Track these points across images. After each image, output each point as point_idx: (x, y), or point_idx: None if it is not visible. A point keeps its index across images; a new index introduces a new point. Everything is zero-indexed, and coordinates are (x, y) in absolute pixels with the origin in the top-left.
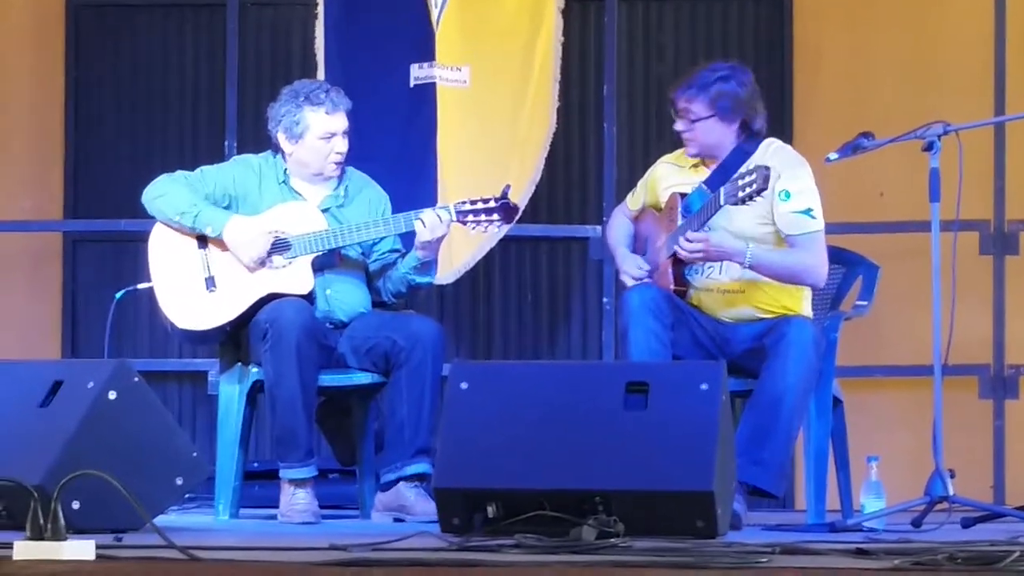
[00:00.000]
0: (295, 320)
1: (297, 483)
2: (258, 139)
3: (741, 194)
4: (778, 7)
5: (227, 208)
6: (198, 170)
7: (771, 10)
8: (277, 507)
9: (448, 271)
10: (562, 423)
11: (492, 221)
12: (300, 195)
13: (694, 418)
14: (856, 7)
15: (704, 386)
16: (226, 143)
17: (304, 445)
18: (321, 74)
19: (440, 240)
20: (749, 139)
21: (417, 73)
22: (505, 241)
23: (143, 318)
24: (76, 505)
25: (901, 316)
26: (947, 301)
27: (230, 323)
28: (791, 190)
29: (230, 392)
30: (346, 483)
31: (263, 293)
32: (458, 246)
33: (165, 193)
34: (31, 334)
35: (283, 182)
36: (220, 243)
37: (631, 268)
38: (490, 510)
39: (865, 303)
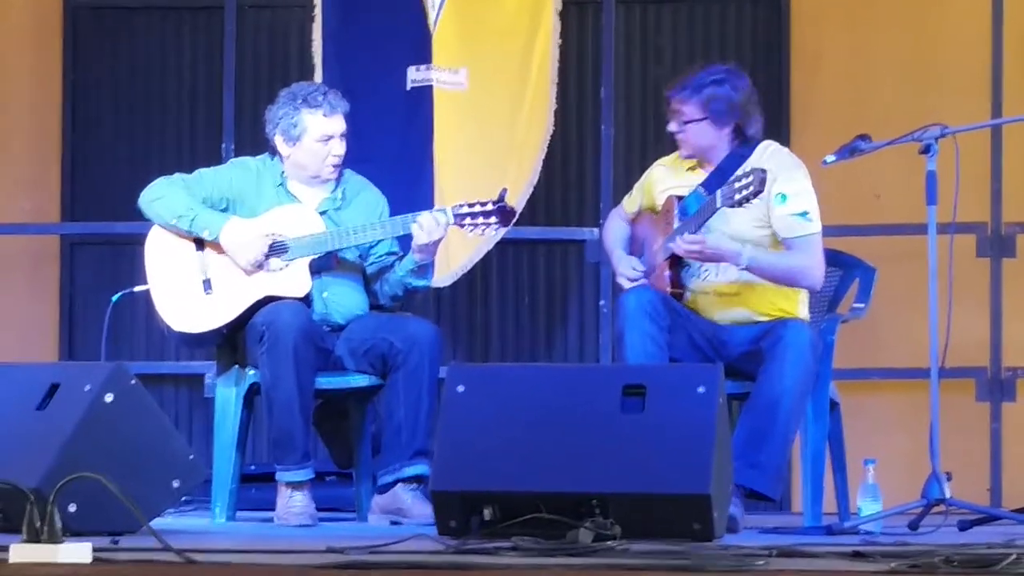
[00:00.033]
0: (292, 323)
1: (294, 486)
2: (255, 141)
3: (738, 196)
4: (776, 9)
5: (224, 211)
6: (195, 172)
7: (769, 12)
8: (274, 510)
9: (445, 274)
10: (559, 426)
11: (489, 224)
12: (297, 198)
13: (691, 421)
14: (854, 9)
15: (701, 389)
16: (223, 145)
17: (301, 448)
18: (318, 76)
19: (437, 243)
20: (744, 143)
21: (414, 75)
22: (502, 243)
23: (140, 321)
24: (72, 508)
25: (898, 319)
26: (944, 304)
27: (227, 326)
28: (787, 193)
29: (227, 395)
30: (343, 486)
31: (260, 296)
32: (455, 249)
33: (162, 196)
34: (28, 336)
35: (280, 185)
36: (217, 246)
37: (626, 269)
38: (487, 513)
39: (862, 306)
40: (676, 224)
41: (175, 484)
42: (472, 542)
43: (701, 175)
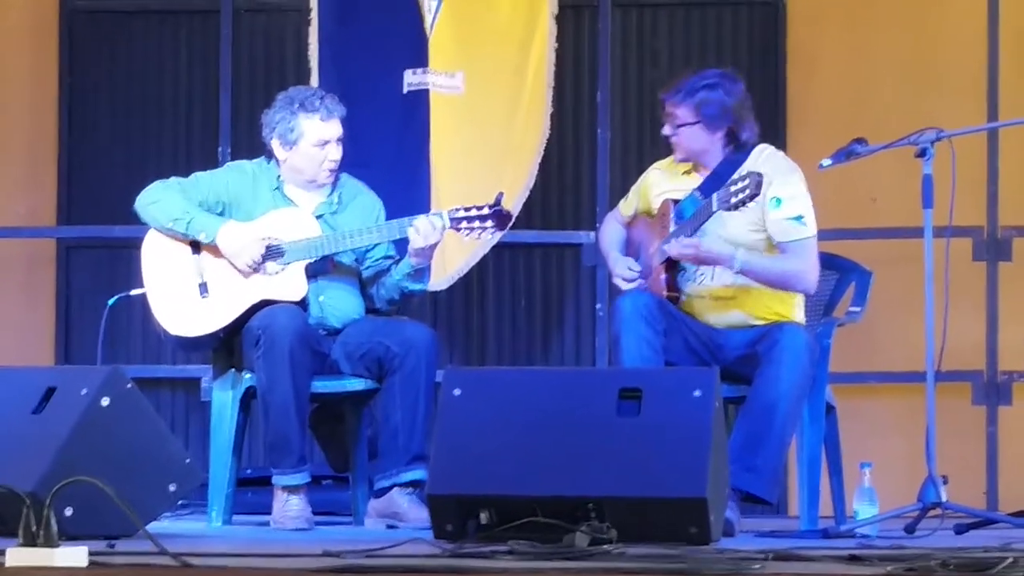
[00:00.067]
0: (288, 326)
1: (290, 489)
2: (252, 145)
3: (733, 200)
4: (772, 12)
5: (220, 214)
6: (192, 176)
7: (765, 15)
8: (270, 514)
9: (441, 277)
10: (555, 429)
11: (485, 228)
12: (293, 201)
13: (687, 424)
14: (850, 13)
15: (697, 392)
16: (220, 149)
17: (297, 451)
18: (315, 80)
19: (434, 247)
20: (738, 148)
21: (410, 79)
22: (498, 247)
23: (136, 324)
24: (69, 512)
25: (894, 322)
26: (940, 307)
27: (223, 329)
28: (782, 197)
29: (223, 398)
30: (339, 489)
31: (256, 299)
32: (451, 253)
33: (158, 200)
34: (24, 340)
35: (277, 188)
36: (213, 249)
37: (623, 270)
38: (483, 516)
39: (858, 309)
40: (672, 228)
41: (171, 488)
42: (468, 546)
43: (697, 179)
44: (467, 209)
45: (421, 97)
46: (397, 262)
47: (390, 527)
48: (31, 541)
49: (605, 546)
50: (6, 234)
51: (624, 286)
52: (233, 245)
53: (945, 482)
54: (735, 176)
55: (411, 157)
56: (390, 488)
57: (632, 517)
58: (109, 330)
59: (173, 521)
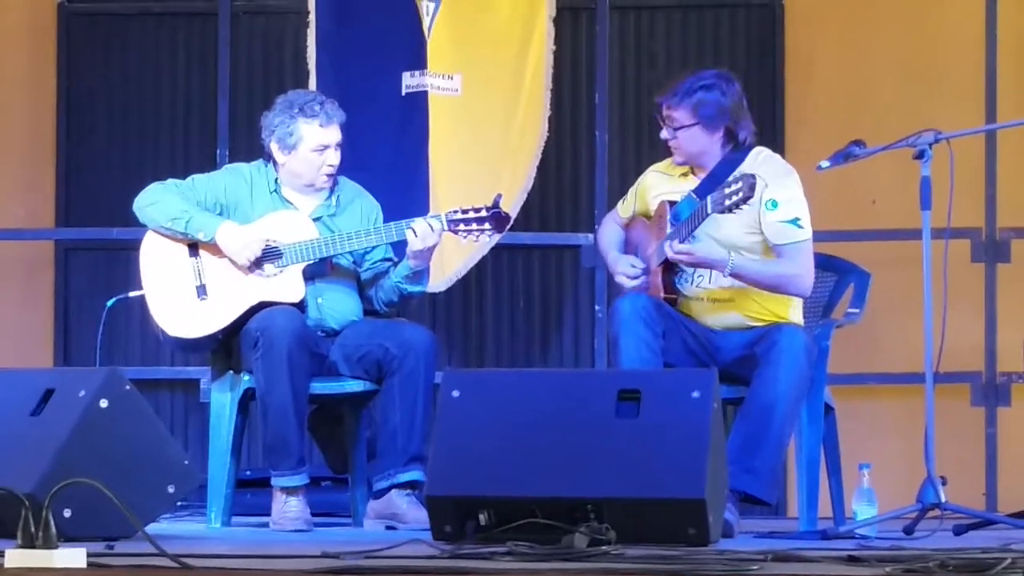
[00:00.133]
0: (286, 328)
1: (289, 491)
2: (250, 148)
3: (728, 202)
4: (770, 14)
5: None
6: (189, 179)
7: (763, 17)
8: (269, 515)
9: (440, 279)
10: (554, 431)
11: (484, 230)
12: (291, 204)
13: (686, 426)
14: (848, 14)
15: (696, 394)
16: (218, 152)
17: (296, 453)
18: (313, 83)
19: (432, 249)
20: (736, 148)
21: (409, 81)
22: (497, 249)
23: (135, 326)
24: (67, 513)
25: (893, 324)
26: (939, 309)
27: (221, 331)
28: (778, 199)
29: (222, 400)
30: (338, 491)
31: (254, 301)
32: (450, 255)
33: (156, 201)
34: (23, 342)
35: (274, 191)
36: (212, 251)
37: (625, 268)
38: (482, 518)
39: (857, 311)
40: (669, 229)
41: (170, 489)
42: (467, 547)
43: (694, 181)
44: (465, 211)
45: (419, 99)
46: (396, 264)
47: (389, 528)
48: (30, 542)
49: (604, 547)
50: (5, 236)
51: (627, 283)
52: (233, 243)
53: (944, 483)
54: (729, 179)
55: (409, 159)
56: (388, 489)
57: (631, 518)
58: (108, 332)
59: (172, 522)
